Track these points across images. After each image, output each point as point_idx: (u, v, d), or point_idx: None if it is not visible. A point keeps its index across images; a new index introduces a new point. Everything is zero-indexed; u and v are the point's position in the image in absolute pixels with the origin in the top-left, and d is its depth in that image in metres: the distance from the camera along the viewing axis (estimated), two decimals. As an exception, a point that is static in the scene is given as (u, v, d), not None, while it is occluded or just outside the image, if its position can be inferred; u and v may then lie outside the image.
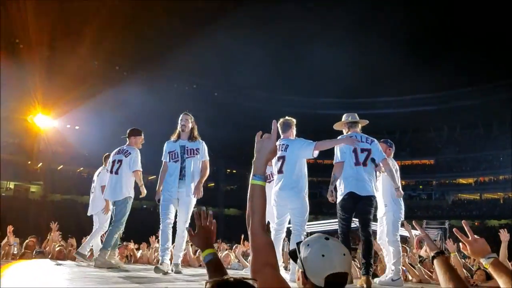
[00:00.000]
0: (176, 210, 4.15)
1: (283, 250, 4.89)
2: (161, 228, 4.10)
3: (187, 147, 4.15)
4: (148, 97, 28.59)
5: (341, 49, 35.39)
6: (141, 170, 4.61)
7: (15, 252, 5.19)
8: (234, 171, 35.59)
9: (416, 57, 38.32)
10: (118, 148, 4.73)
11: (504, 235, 4.11)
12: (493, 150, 34.46)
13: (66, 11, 29.80)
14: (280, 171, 3.87)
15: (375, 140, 3.90)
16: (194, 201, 4.12)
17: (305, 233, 3.78)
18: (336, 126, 4.15)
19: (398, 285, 3.91)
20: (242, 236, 6.29)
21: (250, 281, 0.94)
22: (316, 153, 3.78)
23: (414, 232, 4.71)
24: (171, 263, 4.14)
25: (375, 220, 4.03)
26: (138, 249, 6.40)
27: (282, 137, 4.02)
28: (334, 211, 3.89)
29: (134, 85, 28.72)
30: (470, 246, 1.51)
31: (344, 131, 4.02)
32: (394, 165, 4.29)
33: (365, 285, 3.43)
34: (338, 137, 4.00)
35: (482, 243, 1.50)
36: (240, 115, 36.10)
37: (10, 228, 5.14)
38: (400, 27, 34.59)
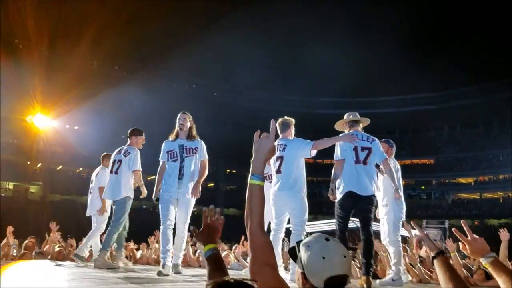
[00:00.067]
0: (176, 211, 4.12)
1: (282, 250, 4.88)
2: (161, 230, 4.06)
3: (185, 146, 4.11)
4: (147, 97, 28.58)
5: (340, 49, 35.44)
6: (141, 170, 4.60)
7: (14, 254, 5.18)
8: (234, 171, 35.58)
9: (416, 56, 38.35)
10: (119, 148, 4.74)
11: (504, 234, 4.11)
12: (493, 149, 34.48)
13: (66, 11, 29.79)
14: (278, 171, 3.86)
15: (376, 139, 3.87)
16: (193, 201, 4.08)
17: (305, 233, 3.78)
18: (337, 126, 4.11)
19: (399, 285, 3.90)
20: (242, 238, 6.28)
21: (250, 282, 0.94)
22: (314, 152, 3.77)
23: (414, 232, 4.70)
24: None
25: (376, 220, 4.02)
26: (137, 249, 6.39)
27: (280, 137, 4.01)
28: (334, 210, 3.88)
29: (133, 85, 28.72)
30: (470, 246, 1.51)
31: (346, 130, 3.98)
32: (396, 165, 4.28)
33: (365, 285, 3.42)
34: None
35: (481, 242, 1.50)
36: (240, 115, 36.10)
37: (10, 229, 5.13)
38: (400, 26, 34.59)
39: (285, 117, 4.11)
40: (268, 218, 3.97)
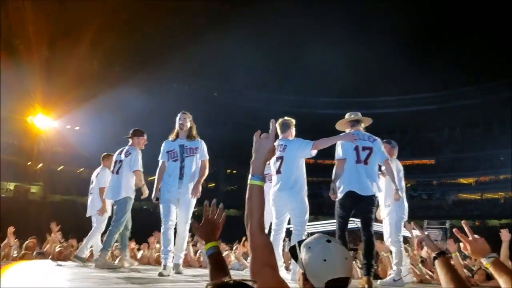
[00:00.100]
0: (177, 211, 4.11)
1: (283, 250, 4.88)
2: (162, 230, 4.05)
3: (186, 146, 4.10)
4: (148, 97, 28.59)
5: (340, 49, 35.40)
6: (142, 170, 4.60)
7: (15, 256, 5.19)
8: (234, 172, 35.57)
9: (416, 56, 38.32)
10: (121, 149, 4.76)
11: (505, 234, 4.11)
12: (494, 149, 34.43)
13: (66, 12, 29.82)
14: (278, 172, 3.85)
15: (378, 139, 3.84)
16: (194, 201, 4.07)
17: (306, 233, 3.78)
18: (338, 125, 4.09)
19: (400, 285, 3.90)
20: (244, 238, 6.27)
21: (250, 283, 0.94)
22: (314, 152, 3.77)
23: (415, 232, 4.69)
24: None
25: (377, 220, 4.01)
26: (139, 249, 6.40)
27: (280, 137, 4.01)
28: (334, 211, 3.87)
29: (134, 85, 28.72)
30: (471, 246, 1.51)
31: (347, 130, 3.97)
32: (398, 166, 4.26)
33: (366, 286, 3.41)
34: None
35: (482, 242, 1.50)
36: (240, 115, 36.09)
37: (11, 229, 5.14)
38: (400, 26, 34.56)
39: (285, 118, 4.10)
40: (268, 219, 3.97)
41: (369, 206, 3.65)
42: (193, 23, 36.49)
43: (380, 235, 4.49)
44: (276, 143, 3.85)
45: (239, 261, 5.89)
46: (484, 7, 34.83)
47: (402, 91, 38.62)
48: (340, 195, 3.69)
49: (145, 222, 8.33)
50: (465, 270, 4.38)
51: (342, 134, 3.92)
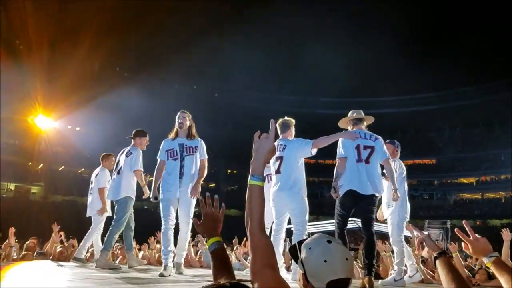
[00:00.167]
0: (177, 210, 4.09)
1: (284, 250, 4.87)
2: (162, 230, 4.04)
3: (186, 145, 4.08)
4: (148, 98, 28.63)
5: (340, 49, 35.41)
6: (142, 170, 4.60)
7: (15, 257, 5.20)
8: (235, 172, 35.60)
9: (417, 56, 38.27)
10: (123, 149, 4.77)
11: (506, 234, 4.11)
12: (495, 149, 34.42)
13: (67, 13, 29.87)
14: (278, 172, 3.85)
15: (380, 138, 3.81)
16: (194, 200, 4.03)
17: (306, 233, 3.77)
18: (341, 123, 4.06)
19: (401, 285, 3.89)
20: (244, 238, 6.26)
21: (248, 283, 0.93)
22: (314, 151, 3.75)
23: (415, 232, 4.69)
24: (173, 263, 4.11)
25: (376, 220, 4.00)
26: (139, 249, 6.40)
27: (280, 137, 4.00)
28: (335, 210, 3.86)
29: (134, 86, 28.77)
30: (472, 245, 1.51)
31: (349, 128, 3.94)
32: (401, 167, 4.24)
33: (367, 286, 3.40)
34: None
35: (483, 242, 1.50)
36: (240, 115, 36.11)
37: (12, 230, 5.14)
38: (400, 26, 34.54)
39: (286, 118, 4.09)
40: (269, 219, 3.96)
41: (370, 206, 3.62)
42: (193, 23, 36.52)
43: (381, 235, 4.48)
44: (276, 143, 3.84)
45: (240, 261, 5.89)
46: (484, 7, 34.80)
47: (402, 91, 38.61)
48: (340, 194, 3.66)
49: (146, 222, 8.33)
50: (466, 270, 4.37)
51: (343, 132, 3.90)
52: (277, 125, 4.00)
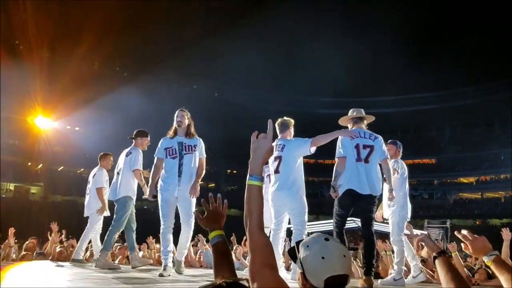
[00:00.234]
0: (177, 209, 4.05)
1: (284, 250, 4.87)
2: (161, 230, 4.01)
3: (185, 144, 4.04)
4: (148, 98, 28.61)
5: (340, 48, 35.40)
6: (141, 169, 4.59)
7: (14, 257, 5.20)
8: (235, 172, 35.56)
9: (417, 56, 38.29)
10: (125, 150, 4.76)
11: (506, 234, 4.11)
12: (495, 149, 34.41)
13: (66, 13, 29.86)
14: (276, 171, 3.84)
15: (380, 137, 3.79)
16: (194, 199, 4.00)
17: (306, 233, 3.77)
18: (341, 121, 4.05)
19: (400, 285, 3.89)
20: (244, 238, 6.26)
21: (244, 282, 0.93)
22: (313, 149, 3.74)
23: (415, 232, 4.69)
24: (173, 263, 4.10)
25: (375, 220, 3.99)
26: (139, 249, 6.39)
27: (279, 137, 3.99)
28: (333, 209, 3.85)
29: (134, 86, 28.74)
30: (471, 244, 1.51)
31: (349, 127, 3.93)
32: (403, 167, 4.24)
33: (366, 285, 3.40)
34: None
35: (483, 240, 1.50)
36: (240, 115, 36.09)
37: (11, 230, 5.14)
38: (399, 26, 34.55)
39: (285, 118, 4.09)
40: (267, 219, 3.95)
41: (369, 205, 3.62)
42: (193, 24, 36.52)
43: (380, 235, 4.48)
44: (274, 143, 3.84)
45: (239, 260, 5.88)
46: (484, 7, 34.80)
47: (402, 91, 38.62)
48: (339, 193, 3.66)
49: (146, 222, 8.32)
50: (465, 270, 4.37)
51: (341, 130, 3.89)
52: (276, 125, 3.99)
